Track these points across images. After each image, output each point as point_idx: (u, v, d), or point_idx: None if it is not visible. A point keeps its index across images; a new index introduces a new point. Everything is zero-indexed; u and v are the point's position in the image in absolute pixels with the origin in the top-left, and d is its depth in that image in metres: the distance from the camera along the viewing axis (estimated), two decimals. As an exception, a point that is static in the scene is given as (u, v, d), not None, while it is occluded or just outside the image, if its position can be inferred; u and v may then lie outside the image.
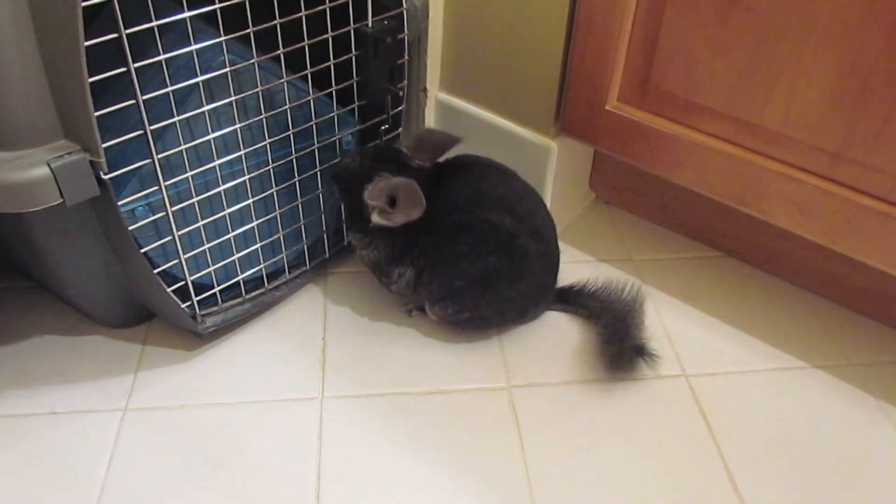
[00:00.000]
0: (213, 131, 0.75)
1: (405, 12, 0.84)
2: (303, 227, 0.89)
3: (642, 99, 0.86)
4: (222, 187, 0.78)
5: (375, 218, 0.81)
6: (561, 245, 0.89)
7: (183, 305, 0.79)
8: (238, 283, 0.85)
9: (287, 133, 0.82)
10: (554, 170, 0.96)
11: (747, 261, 1.01)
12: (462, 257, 0.82)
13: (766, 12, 0.73)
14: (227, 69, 0.73)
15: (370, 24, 0.82)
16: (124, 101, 0.65)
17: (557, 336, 0.90)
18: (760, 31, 0.74)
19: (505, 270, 0.83)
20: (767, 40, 0.74)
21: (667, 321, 0.92)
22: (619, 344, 0.85)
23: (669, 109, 0.84)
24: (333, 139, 0.88)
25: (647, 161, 0.87)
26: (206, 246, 0.79)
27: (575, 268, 0.99)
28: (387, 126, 0.92)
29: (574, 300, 0.92)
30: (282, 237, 0.87)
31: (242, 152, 0.78)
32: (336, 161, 0.87)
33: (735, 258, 1.02)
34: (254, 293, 0.88)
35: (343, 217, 0.92)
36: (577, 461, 0.76)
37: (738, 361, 0.87)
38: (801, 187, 0.77)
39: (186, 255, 0.77)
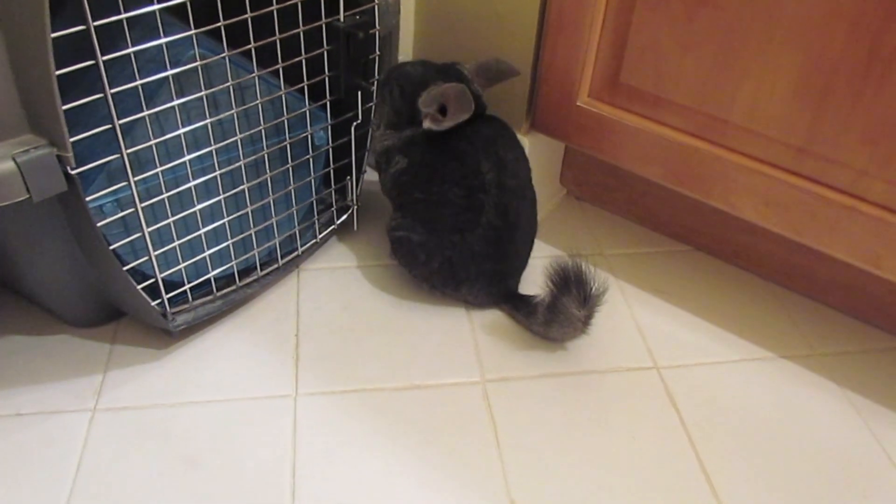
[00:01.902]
0: (183, 126, 0.74)
1: (377, 7, 0.84)
2: (274, 223, 0.88)
3: (613, 95, 0.87)
4: (192, 183, 0.77)
5: (427, 124, 0.85)
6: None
7: (153, 303, 0.78)
8: (209, 280, 0.84)
9: (258, 128, 0.81)
10: (525, 165, 0.97)
11: (716, 255, 1.03)
12: (435, 175, 0.86)
13: (734, 9, 0.74)
14: (198, 63, 0.72)
15: (342, 19, 0.82)
16: (92, 95, 0.64)
17: (530, 330, 0.90)
18: (728, 28, 0.75)
19: (454, 207, 0.85)
20: (735, 37, 0.75)
21: (638, 314, 0.93)
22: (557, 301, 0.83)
23: (639, 105, 0.85)
24: (304, 135, 0.88)
25: (617, 156, 0.88)
26: (177, 243, 0.78)
27: (546, 263, 0.99)
28: (358, 122, 0.91)
29: (525, 308, 0.89)
30: (253, 234, 0.86)
31: (213, 148, 0.77)
32: (396, 66, 0.90)
33: (704, 252, 1.04)
34: (225, 290, 0.87)
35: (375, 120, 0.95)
36: (551, 454, 0.76)
37: (707, 353, 0.89)
38: (768, 181, 0.79)
39: (156, 252, 0.76)
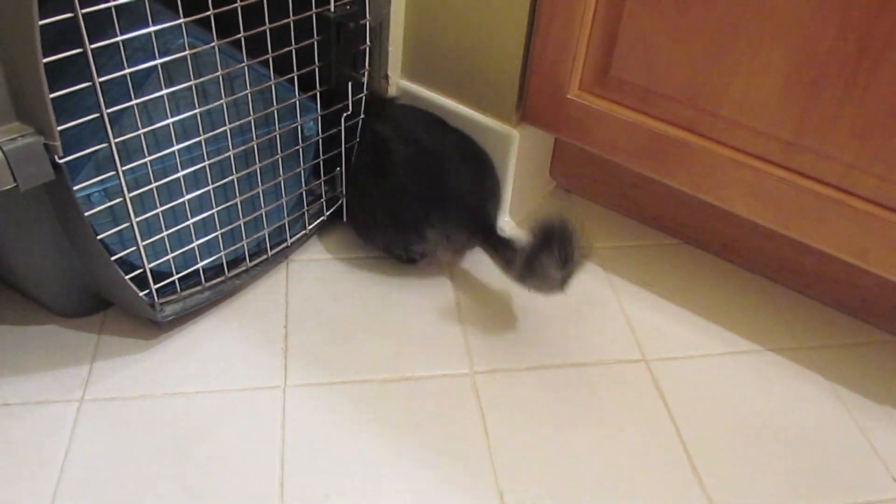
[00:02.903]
0: (171, 116, 0.73)
1: (367, -3, 0.84)
2: (263, 214, 0.88)
3: (603, 87, 0.87)
4: (181, 173, 0.77)
5: None
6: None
7: (141, 294, 0.77)
8: (197, 270, 0.84)
9: (247, 119, 0.81)
10: (515, 158, 0.97)
11: (705, 248, 1.03)
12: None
13: (725, 3, 0.74)
14: (187, 52, 0.72)
15: (332, 9, 0.81)
16: (80, 84, 0.63)
17: (519, 323, 0.90)
18: (719, 21, 0.75)
19: (368, 165, 0.92)
20: (725, 30, 0.75)
21: (627, 307, 0.93)
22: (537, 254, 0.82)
23: (629, 98, 0.85)
24: (294, 125, 0.87)
25: (607, 149, 0.88)
26: (165, 233, 0.78)
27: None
28: (348, 113, 0.91)
29: (504, 253, 0.87)
30: (242, 224, 0.86)
31: (202, 137, 0.77)
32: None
33: (693, 245, 1.04)
34: (213, 281, 0.86)
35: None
36: (540, 446, 0.77)
37: (696, 346, 0.89)
38: (757, 175, 0.79)
39: (144, 243, 0.76)
